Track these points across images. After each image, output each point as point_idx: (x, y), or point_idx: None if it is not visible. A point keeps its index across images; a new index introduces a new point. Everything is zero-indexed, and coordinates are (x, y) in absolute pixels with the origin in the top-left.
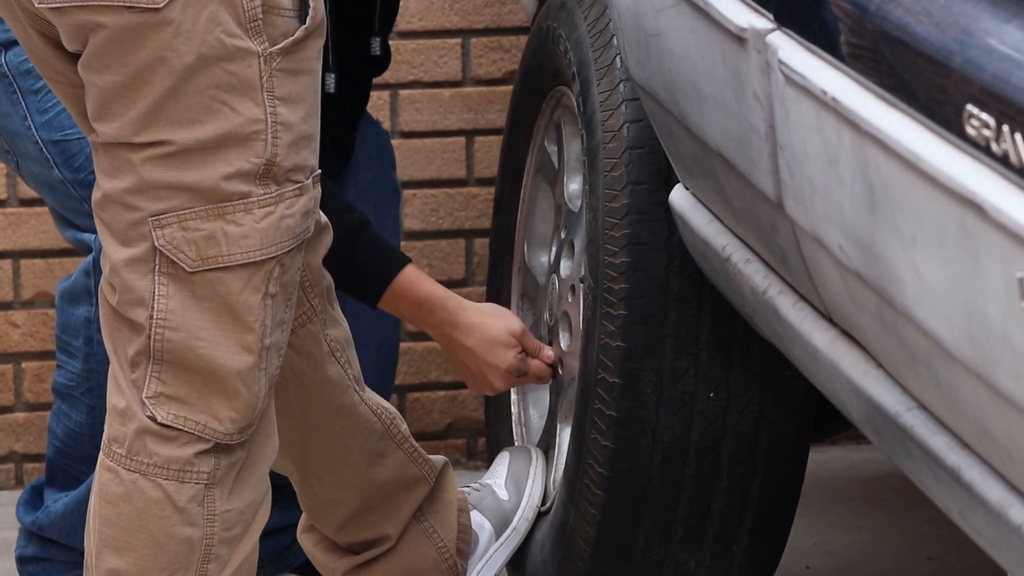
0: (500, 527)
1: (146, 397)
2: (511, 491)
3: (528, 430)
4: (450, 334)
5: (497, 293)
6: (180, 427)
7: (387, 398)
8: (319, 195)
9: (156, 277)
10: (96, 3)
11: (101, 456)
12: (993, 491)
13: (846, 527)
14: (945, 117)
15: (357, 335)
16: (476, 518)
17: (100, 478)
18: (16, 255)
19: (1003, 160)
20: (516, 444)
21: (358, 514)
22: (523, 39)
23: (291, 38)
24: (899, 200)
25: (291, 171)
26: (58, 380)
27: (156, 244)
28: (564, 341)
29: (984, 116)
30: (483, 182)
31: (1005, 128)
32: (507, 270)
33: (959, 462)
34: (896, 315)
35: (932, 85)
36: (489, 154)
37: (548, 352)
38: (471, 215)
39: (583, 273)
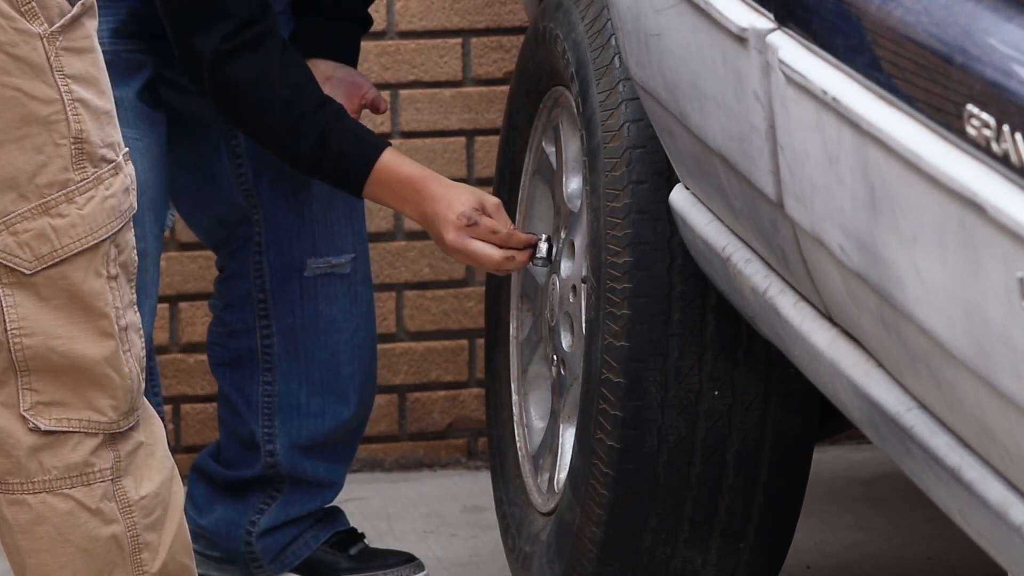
0: None
1: (24, 411)
2: None
3: (530, 431)
4: (422, 205)
5: (497, 293)
6: (66, 429)
7: (370, 387)
8: (134, 173)
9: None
10: None
11: None
12: (993, 491)
13: (846, 527)
14: (945, 117)
15: (331, 321)
16: None
17: (7, 516)
18: None
19: (1003, 160)
20: (518, 445)
21: None
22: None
23: (69, 14)
24: (899, 200)
25: (102, 148)
26: None
27: None
28: (566, 341)
29: (984, 116)
30: (484, 182)
31: (1005, 128)
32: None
33: (959, 462)
34: (897, 315)
35: (932, 85)
36: (490, 154)
37: (518, 235)
38: None
39: (585, 273)
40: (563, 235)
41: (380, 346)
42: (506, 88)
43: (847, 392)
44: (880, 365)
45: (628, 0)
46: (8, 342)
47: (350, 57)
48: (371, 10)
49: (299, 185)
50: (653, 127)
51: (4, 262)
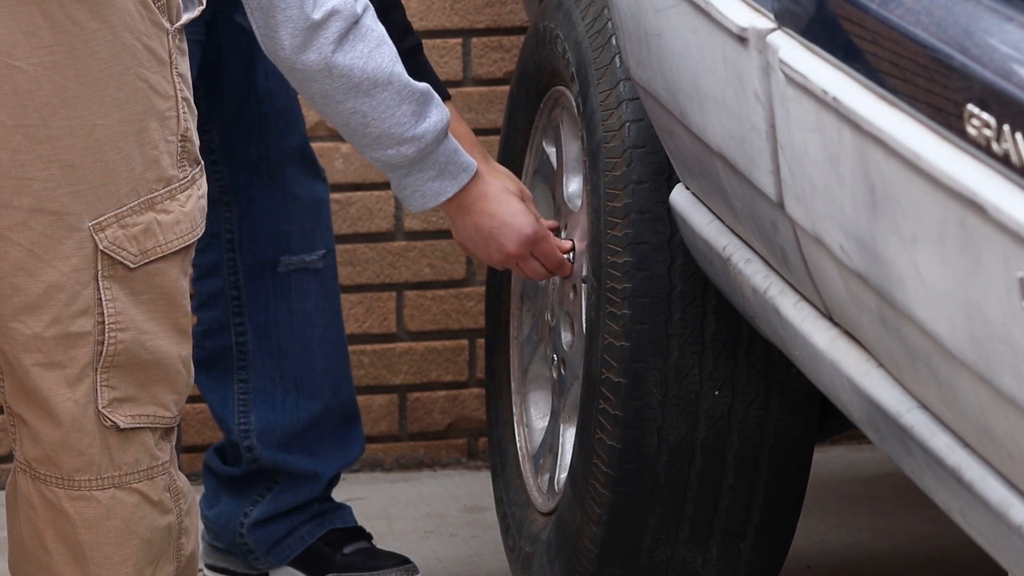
0: None
1: (102, 408)
2: None
3: (530, 431)
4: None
5: (497, 293)
6: (139, 425)
7: (345, 382)
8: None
9: (100, 282)
10: None
11: (56, 491)
12: (994, 491)
13: (846, 527)
14: (946, 117)
15: (304, 316)
16: None
17: (69, 512)
18: None
19: (1004, 160)
20: (518, 445)
21: None
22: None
23: (189, 14)
24: (900, 200)
25: (198, 149)
26: None
27: (100, 247)
28: (566, 341)
29: (985, 116)
30: None
31: (1006, 128)
32: (507, 270)
33: (960, 462)
34: (897, 315)
35: (933, 85)
36: (490, 154)
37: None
38: None
39: (585, 273)
40: (563, 235)
41: (381, 346)
42: (506, 88)
43: (847, 392)
44: (880, 365)
45: (628, 0)
46: (104, 335)
47: None
48: None
49: (273, 183)
50: (653, 127)
51: (111, 253)
